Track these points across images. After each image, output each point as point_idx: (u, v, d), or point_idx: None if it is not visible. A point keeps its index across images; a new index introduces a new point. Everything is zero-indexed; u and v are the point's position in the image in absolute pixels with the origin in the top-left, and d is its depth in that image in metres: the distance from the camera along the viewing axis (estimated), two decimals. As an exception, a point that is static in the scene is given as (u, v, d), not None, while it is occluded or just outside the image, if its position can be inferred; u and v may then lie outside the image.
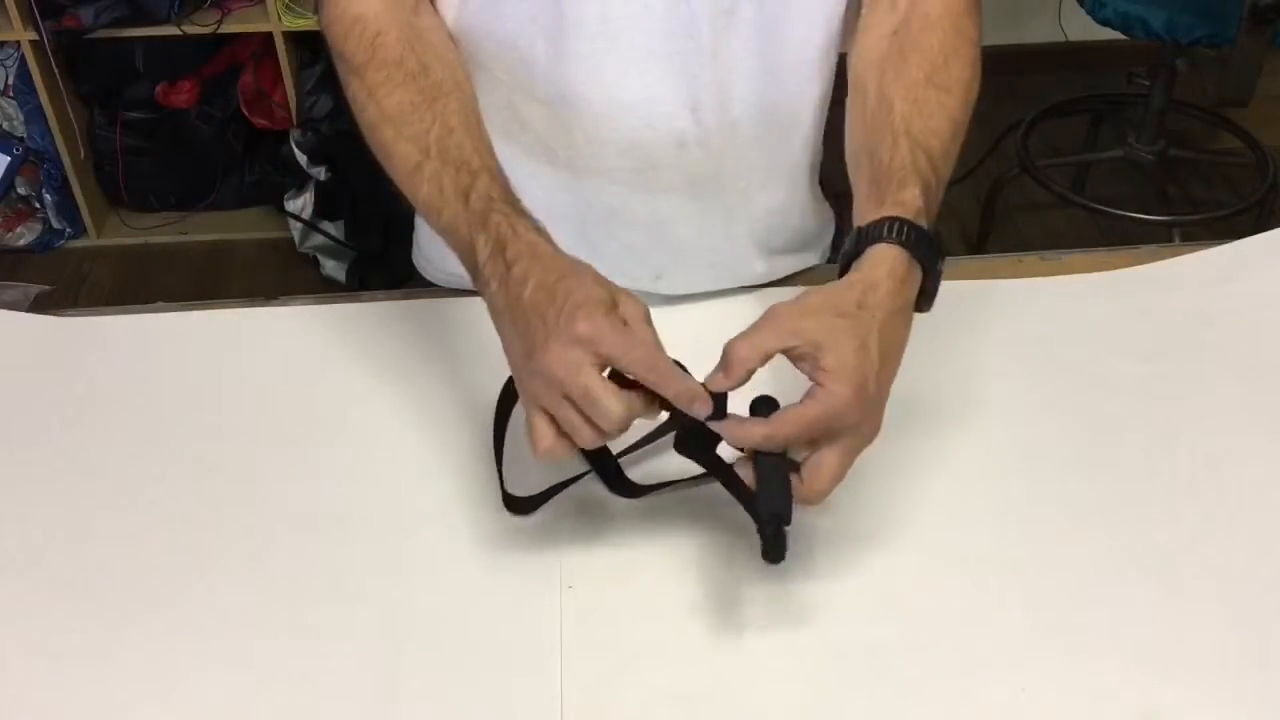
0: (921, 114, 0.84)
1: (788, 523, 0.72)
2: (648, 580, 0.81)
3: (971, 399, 0.94)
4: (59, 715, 0.74)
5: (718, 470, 0.77)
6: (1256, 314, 1.02)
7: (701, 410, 0.72)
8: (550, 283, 0.73)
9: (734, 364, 0.72)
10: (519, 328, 0.74)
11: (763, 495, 0.73)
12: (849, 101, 0.92)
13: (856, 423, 0.72)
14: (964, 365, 0.97)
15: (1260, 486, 0.86)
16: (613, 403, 0.70)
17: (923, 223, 0.78)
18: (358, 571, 0.82)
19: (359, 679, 0.75)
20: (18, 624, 0.79)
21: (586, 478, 0.86)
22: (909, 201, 0.78)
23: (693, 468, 0.79)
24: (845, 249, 0.79)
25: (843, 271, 0.78)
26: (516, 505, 0.84)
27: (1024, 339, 0.99)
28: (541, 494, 0.84)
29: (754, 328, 0.73)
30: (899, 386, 0.86)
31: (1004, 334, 1.00)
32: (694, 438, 0.75)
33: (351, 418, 0.93)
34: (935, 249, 0.78)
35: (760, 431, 0.72)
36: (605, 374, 0.71)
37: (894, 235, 0.76)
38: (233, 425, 0.93)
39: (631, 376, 0.72)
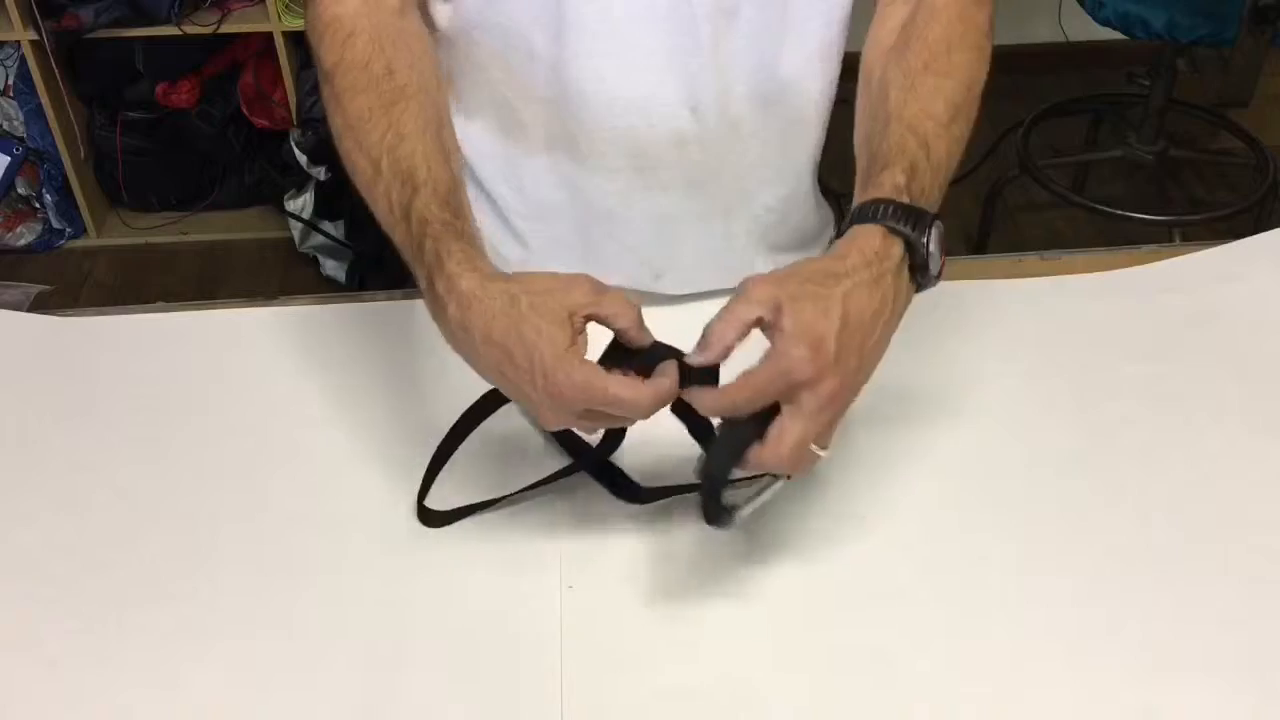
0: (917, 98, 0.83)
1: (721, 484, 0.72)
2: (648, 580, 0.81)
3: (971, 399, 0.94)
4: (59, 715, 0.74)
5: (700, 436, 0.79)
6: (1256, 314, 1.02)
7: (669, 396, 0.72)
8: (497, 338, 0.71)
9: (711, 338, 0.72)
10: (485, 364, 0.73)
11: (710, 456, 0.73)
12: (858, 92, 0.92)
13: (812, 380, 0.69)
14: (964, 365, 0.97)
15: (1260, 486, 0.86)
16: (640, 393, 0.70)
17: (903, 199, 0.76)
18: (357, 571, 0.82)
19: (359, 679, 0.75)
20: (17, 624, 0.79)
21: (592, 485, 0.86)
22: (886, 183, 0.77)
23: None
24: (833, 238, 0.80)
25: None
26: (431, 519, 0.84)
27: (1024, 339, 0.99)
28: (456, 510, 0.84)
29: (729, 302, 0.73)
30: (899, 386, 0.86)
31: (1004, 334, 1.00)
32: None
33: (351, 418, 0.93)
34: (915, 221, 0.75)
35: (713, 394, 0.72)
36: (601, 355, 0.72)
37: (870, 217, 0.75)
38: (232, 425, 0.93)
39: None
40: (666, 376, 0.72)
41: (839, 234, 0.77)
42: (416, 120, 0.82)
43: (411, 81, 0.84)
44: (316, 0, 0.87)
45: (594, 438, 0.85)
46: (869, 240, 0.74)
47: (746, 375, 0.70)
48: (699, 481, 0.73)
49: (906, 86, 0.84)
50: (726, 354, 0.71)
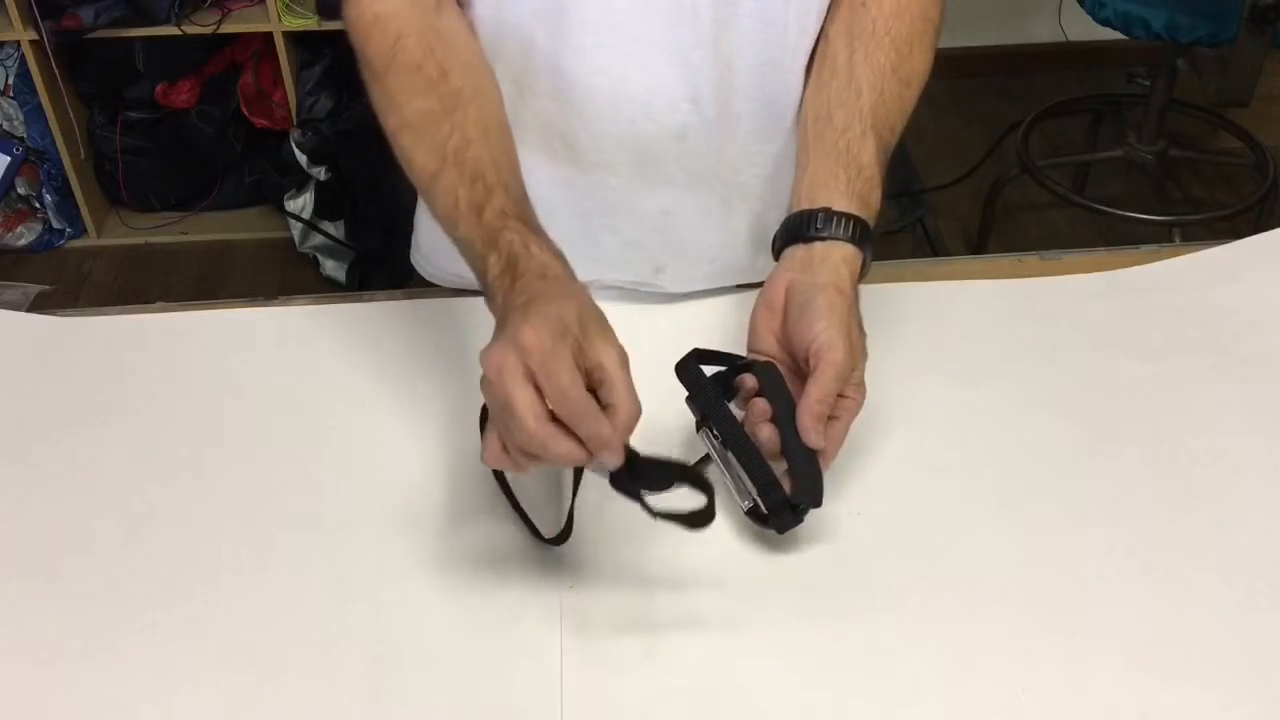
0: (885, 105, 0.90)
1: (777, 489, 0.79)
2: (648, 580, 0.81)
3: (971, 399, 0.94)
4: (59, 715, 0.74)
5: (737, 448, 0.80)
6: (1256, 314, 1.02)
7: (610, 461, 0.69)
8: (538, 299, 0.73)
9: (824, 418, 0.79)
10: (495, 331, 0.74)
11: (802, 478, 0.79)
12: (815, 62, 0.95)
13: (855, 369, 0.80)
14: (964, 365, 0.97)
15: (1260, 486, 0.86)
16: (529, 420, 0.67)
17: (876, 220, 0.86)
18: (358, 571, 0.82)
19: (359, 679, 0.75)
20: (17, 624, 0.79)
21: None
22: (873, 204, 0.86)
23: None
24: (813, 220, 0.84)
25: (799, 233, 0.85)
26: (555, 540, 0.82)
27: (1024, 339, 0.99)
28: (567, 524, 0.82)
29: (823, 382, 0.78)
30: (899, 386, 0.86)
31: (1004, 334, 1.00)
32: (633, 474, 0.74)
33: (351, 418, 0.93)
34: (871, 255, 0.86)
35: (819, 429, 0.78)
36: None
37: (857, 237, 0.84)
38: (233, 425, 0.93)
39: (549, 405, 0.69)
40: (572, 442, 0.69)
41: (803, 212, 0.86)
42: (477, 125, 0.84)
43: (467, 85, 0.86)
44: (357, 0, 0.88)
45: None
46: (855, 267, 0.84)
47: (839, 429, 0.80)
48: (760, 507, 0.80)
49: (877, 90, 0.90)
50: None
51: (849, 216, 0.84)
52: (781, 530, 0.80)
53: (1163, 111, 2.42)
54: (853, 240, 0.84)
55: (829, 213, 0.84)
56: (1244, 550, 0.82)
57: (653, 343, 0.98)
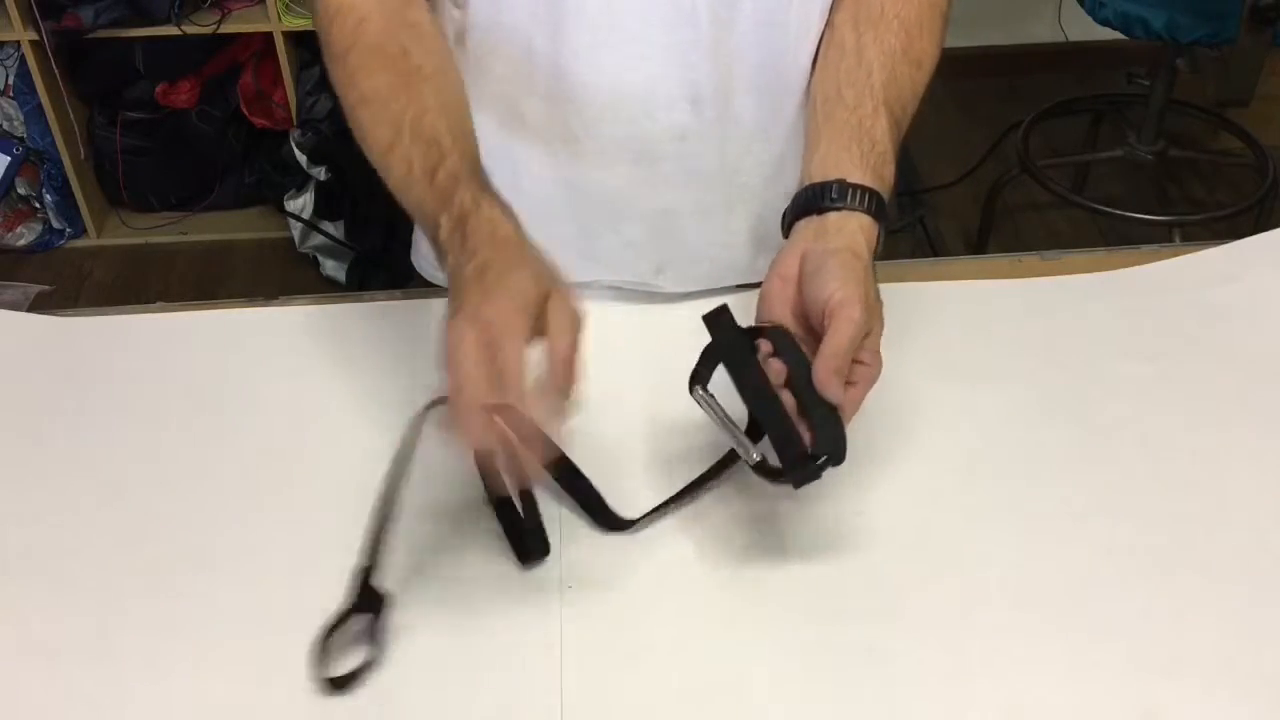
0: (897, 85, 0.88)
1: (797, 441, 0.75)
2: (648, 580, 0.81)
3: (971, 399, 0.94)
4: (59, 714, 0.74)
5: (758, 398, 0.77)
6: (1256, 314, 1.02)
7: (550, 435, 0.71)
8: (491, 263, 0.73)
9: (842, 372, 0.75)
10: (450, 296, 0.74)
11: (823, 432, 0.75)
12: (822, 50, 0.94)
13: (871, 332, 0.77)
14: (964, 365, 0.97)
15: (1259, 486, 0.86)
16: (463, 398, 0.69)
17: (889, 195, 0.84)
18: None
19: (358, 678, 0.75)
20: (17, 623, 0.79)
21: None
22: (888, 179, 0.85)
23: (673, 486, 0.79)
24: (828, 191, 0.82)
25: (813, 204, 0.82)
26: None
27: (1024, 339, 0.99)
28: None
29: (839, 340, 0.75)
30: (899, 386, 0.86)
31: (1004, 334, 1.00)
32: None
33: (351, 418, 0.93)
34: (884, 228, 0.84)
35: (838, 382, 0.75)
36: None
37: (872, 208, 0.82)
38: (232, 425, 0.93)
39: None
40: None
41: (816, 183, 0.84)
42: (435, 97, 0.84)
43: (428, 64, 0.86)
44: None
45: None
46: (870, 236, 0.81)
47: (833, 342, 0.75)
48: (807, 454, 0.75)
49: (888, 68, 0.89)
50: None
51: (864, 188, 0.82)
52: (798, 485, 0.76)
53: (1163, 111, 2.42)
54: (868, 212, 0.81)
55: (844, 184, 0.82)
56: (1244, 550, 0.82)
57: (653, 343, 0.99)
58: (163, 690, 0.75)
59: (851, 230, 0.81)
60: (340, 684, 0.74)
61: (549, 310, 0.72)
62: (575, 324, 0.72)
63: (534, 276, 0.73)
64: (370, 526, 0.76)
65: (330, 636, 0.75)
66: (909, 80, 0.89)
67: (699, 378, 0.81)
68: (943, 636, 0.77)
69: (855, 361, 0.77)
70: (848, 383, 0.76)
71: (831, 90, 0.89)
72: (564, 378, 0.71)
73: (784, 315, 0.81)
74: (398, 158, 0.82)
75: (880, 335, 0.78)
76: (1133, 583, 0.80)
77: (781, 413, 0.76)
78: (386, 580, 0.81)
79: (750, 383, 0.78)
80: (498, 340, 0.69)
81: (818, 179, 0.84)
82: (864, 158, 0.84)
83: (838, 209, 0.81)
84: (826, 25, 0.94)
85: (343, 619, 0.75)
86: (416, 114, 0.82)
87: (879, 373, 0.78)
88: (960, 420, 0.92)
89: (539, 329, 0.71)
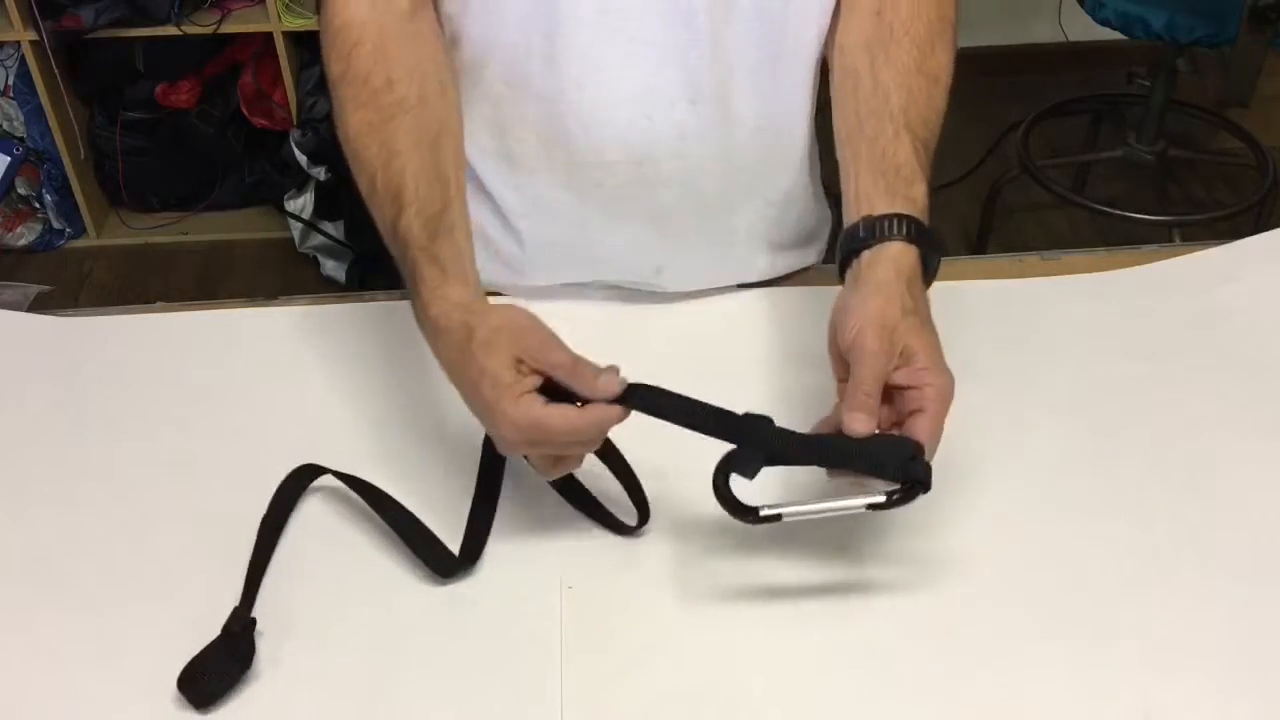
0: (916, 104, 0.87)
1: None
2: (648, 580, 0.81)
3: (970, 399, 0.93)
4: (59, 715, 0.74)
5: (839, 456, 0.75)
6: (1256, 314, 1.02)
7: (607, 386, 0.74)
8: (455, 370, 0.78)
9: (863, 408, 0.74)
10: (458, 388, 0.78)
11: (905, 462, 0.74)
12: (836, 80, 0.94)
13: (906, 347, 0.76)
14: (964, 365, 0.96)
15: (1259, 486, 0.86)
16: (576, 423, 0.74)
17: (927, 220, 0.82)
18: (358, 570, 0.82)
19: (359, 679, 0.75)
20: (17, 624, 0.79)
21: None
22: (918, 199, 0.83)
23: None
24: (858, 233, 0.82)
25: (848, 250, 0.82)
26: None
27: (1024, 339, 0.99)
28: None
29: (859, 374, 0.75)
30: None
31: (1004, 334, 1.00)
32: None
33: (351, 418, 0.93)
34: (937, 247, 0.82)
35: (853, 404, 0.74)
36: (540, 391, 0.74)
37: (907, 232, 0.80)
38: (232, 425, 0.93)
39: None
40: (604, 407, 0.74)
41: (848, 221, 0.83)
42: (409, 136, 0.84)
43: (410, 94, 0.86)
44: (328, 5, 0.88)
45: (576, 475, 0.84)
46: (915, 266, 0.80)
47: (930, 419, 0.74)
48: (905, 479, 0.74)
49: (905, 89, 0.88)
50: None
51: (890, 216, 0.81)
52: (907, 498, 0.74)
53: (1163, 111, 2.42)
54: (902, 237, 0.80)
55: (870, 219, 0.81)
56: (1244, 549, 0.82)
57: (653, 343, 0.99)
58: (162, 689, 0.74)
59: (883, 262, 0.80)
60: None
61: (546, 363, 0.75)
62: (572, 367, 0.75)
63: (498, 353, 0.75)
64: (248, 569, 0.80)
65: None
66: (927, 96, 0.88)
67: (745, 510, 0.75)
68: (942, 637, 0.77)
69: (900, 388, 0.76)
70: (913, 411, 0.75)
71: (853, 124, 0.89)
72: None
73: (844, 376, 0.79)
74: (375, 208, 0.84)
75: (928, 352, 0.76)
76: (1133, 583, 0.80)
77: (855, 447, 0.74)
78: (387, 579, 0.81)
79: (811, 444, 0.75)
80: (532, 441, 0.75)
81: (849, 222, 0.84)
82: (889, 186, 0.83)
83: (869, 246, 0.81)
84: (835, 50, 0.94)
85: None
86: (386, 158, 0.83)
87: (945, 388, 0.75)
88: (960, 420, 0.92)
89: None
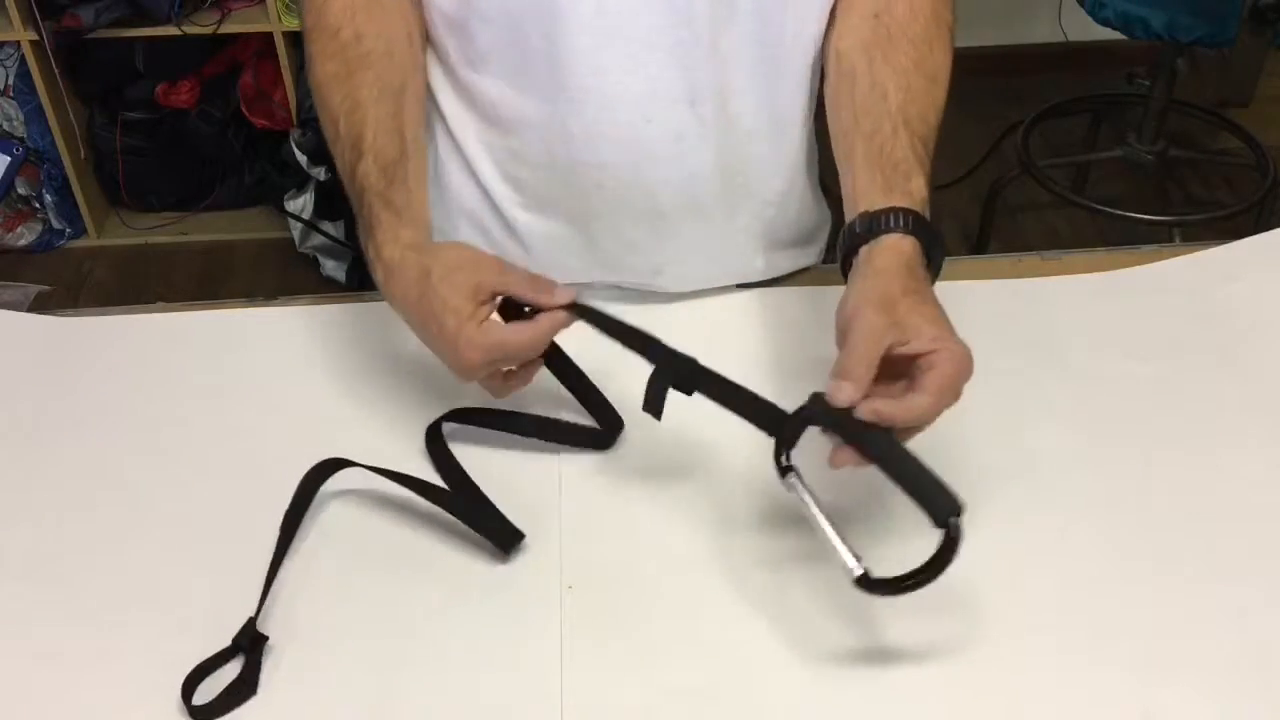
0: (913, 101, 0.88)
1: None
2: (648, 580, 0.81)
3: (970, 399, 0.93)
4: (59, 715, 0.74)
5: (887, 460, 0.73)
6: (1256, 314, 1.02)
7: (562, 296, 0.81)
8: (412, 306, 0.82)
9: (854, 377, 0.73)
10: (410, 325, 0.84)
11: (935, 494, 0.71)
12: (833, 83, 0.94)
13: (905, 324, 0.75)
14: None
15: (1260, 486, 0.87)
16: (525, 335, 0.81)
17: (927, 213, 0.82)
18: (359, 570, 0.82)
19: (360, 679, 0.75)
20: (18, 624, 0.79)
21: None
22: (916, 192, 0.83)
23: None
24: (855, 229, 0.82)
25: (848, 247, 0.82)
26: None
27: (1024, 339, 0.99)
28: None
29: (851, 343, 0.74)
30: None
31: (1004, 334, 1.00)
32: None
33: (351, 418, 0.93)
34: (937, 239, 0.82)
35: (924, 401, 0.73)
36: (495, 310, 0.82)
37: (905, 225, 0.80)
38: (233, 425, 0.93)
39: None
40: (554, 314, 0.81)
41: (847, 217, 0.84)
42: (373, 88, 0.89)
43: (377, 48, 0.90)
44: None
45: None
46: (913, 254, 0.80)
47: (936, 377, 0.73)
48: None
49: (904, 88, 0.88)
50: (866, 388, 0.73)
51: (888, 210, 0.81)
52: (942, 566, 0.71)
53: (1163, 111, 2.42)
54: (899, 229, 0.80)
55: (866, 215, 0.82)
56: (1244, 550, 0.82)
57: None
58: (162, 690, 0.74)
59: (883, 252, 0.80)
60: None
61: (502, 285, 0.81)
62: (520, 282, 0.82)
63: (451, 290, 0.80)
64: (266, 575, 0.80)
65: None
66: (924, 94, 0.89)
67: (785, 452, 0.76)
68: (942, 637, 0.77)
69: (911, 356, 0.74)
70: (925, 371, 0.73)
71: (849, 123, 0.89)
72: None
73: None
74: (337, 154, 0.89)
75: (938, 325, 0.75)
76: (1132, 583, 0.80)
77: (918, 465, 0.72)
78: (387, 579, 0.81)
79: (881, 449, 0.73)
80: (492, 361, 0.81)
81: (847, 220, 0.84)
82: (886, 181, 0.84)
83: (867, 240, 0.81)
84: (831, 54, 0.94)
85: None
86: (350, 107, 0.88)
87: (959, 354, 0.74)
88: (959, 420, 0.92)
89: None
